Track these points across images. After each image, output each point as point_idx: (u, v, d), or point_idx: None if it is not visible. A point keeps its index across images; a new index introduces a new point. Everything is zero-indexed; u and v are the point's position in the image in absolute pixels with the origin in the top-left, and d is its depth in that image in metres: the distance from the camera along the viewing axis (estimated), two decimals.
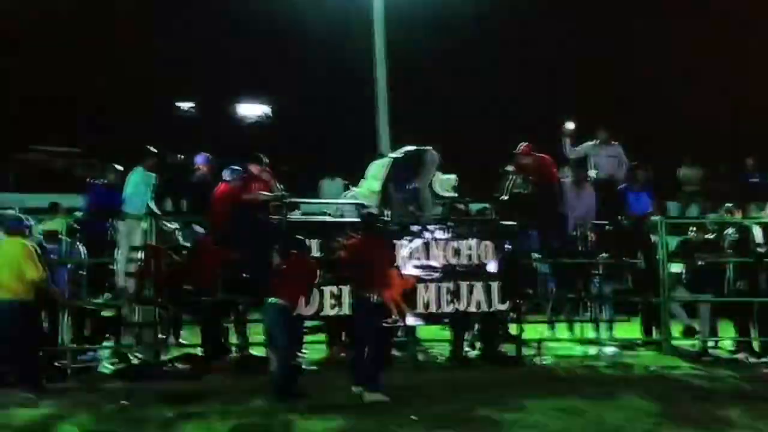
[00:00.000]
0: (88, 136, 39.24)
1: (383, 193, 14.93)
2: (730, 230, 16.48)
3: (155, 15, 42.63)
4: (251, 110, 53.22)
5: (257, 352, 15.10)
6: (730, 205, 18.44)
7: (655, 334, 16.47)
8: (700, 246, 16.17)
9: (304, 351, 14.36)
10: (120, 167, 15.04)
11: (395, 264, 13.21)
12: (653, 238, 16.21)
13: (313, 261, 12.49)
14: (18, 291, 11.95)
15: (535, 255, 16.24)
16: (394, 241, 14.11)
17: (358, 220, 13.99)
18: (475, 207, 16.80)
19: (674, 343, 16.03)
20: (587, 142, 16.67)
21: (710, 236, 16.57)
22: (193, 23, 42.44)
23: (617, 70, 40.34)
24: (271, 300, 11.55)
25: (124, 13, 42.83)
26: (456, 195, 15.37)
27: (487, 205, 16.35)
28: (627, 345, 16.48)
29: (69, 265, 14.65)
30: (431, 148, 14.72)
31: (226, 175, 14.48)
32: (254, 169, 15.16)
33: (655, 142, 29.67)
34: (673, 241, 16.97)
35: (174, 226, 15.50)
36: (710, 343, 16.36)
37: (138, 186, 14.68)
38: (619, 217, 16.04)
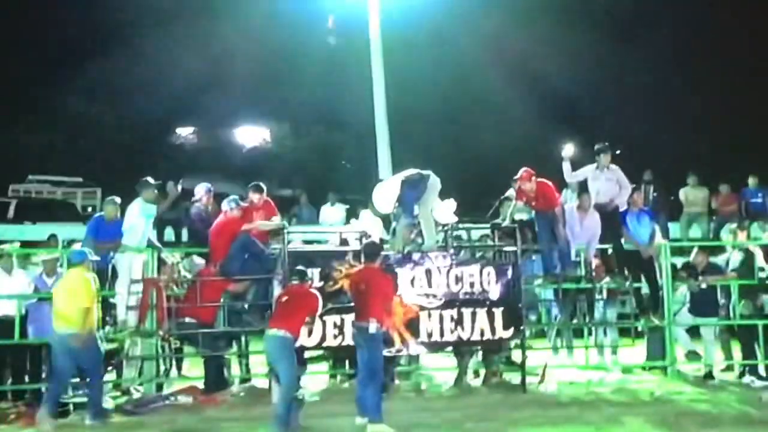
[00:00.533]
0: (89, 164, 39.31)
1: (387, 219, 14.87)
2: (733, 252, 16.44)
3: (154, 41, 42.72)
4: (250, 135, 53.33)
5: (259, 383, 15.09)
6: (734, 226, 18.45)
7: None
8: (704, 268, 16.09)
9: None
10: (118, 200, 14.96)
11: (397, 293, 13.10)
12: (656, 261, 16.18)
13: (313, 291, 12.39)
14: (78, 322, 12.28)
15: (538, 281, 16.23)
16: (396, 269, 14.03)
17: (358, 248, 13.96)
18: (476, 234, 16.71)
19: (679, 367, 15.94)
20: (587, 165, 16.60)
21: (714, 258, 16.53)
22: (192, 50, 42.52)
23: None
24: (272, 332, 11.46)
25: (123, 38, 42.89)
26: (456, 220, 15.27)
27: (488, 232, 16.22)
28: (631, 370, 16.41)
29: None
30: (431, 172, 14.64)
31: (225, 206, 14.41)
32: (254, 197, 15.15)
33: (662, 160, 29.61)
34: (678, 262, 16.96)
35: (176, 257, 15.45)
36: (720, 366, 16.31)
37: (137, 218, 14.62)
38: (621, 241, 15.97)
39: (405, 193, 14.25)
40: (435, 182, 14.46)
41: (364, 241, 14.01)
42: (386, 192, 14.41)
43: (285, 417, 11.17)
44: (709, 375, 15.71)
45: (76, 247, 15.22)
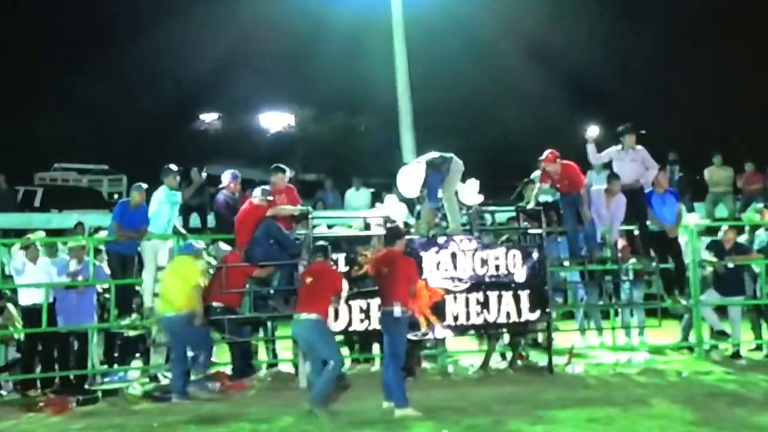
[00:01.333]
0: (114, 152, 39.39)
1: (411, 203, 14.86)
2: (760, 232, 16.35)
3: (178, 27, 42.73)
4: (274, 120, 53.32)
5: (286, 368, 15.14)
6: (760, 205, 18.34)
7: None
8: (731, 248, 16.01)
9: None
10: (144, 186, 15.01)
11: (421, 276, 13.08)
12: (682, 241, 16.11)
13: (337, 271, 12.38)
14: (183, 306, 12.85)
15: (564, 263, 16.19)
16: (421, 253, 14.02)
17: (383, 232, 13.97)
18: (502, 216, 16.66)
19: (707, 347, 15.89)
20: (612, 147, 16.52)
21: (741, 238, 16.46)
22: (215, 35, 42.53)
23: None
24: (303, 317, 11.49)
25: (147, 24, 42.91)
26: (481, 201, 15.20)
27: (515, 215, 16.17)
28: (659, 350, 16.37)
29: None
30: (453, 155, 14.59)
31: (257, 193, 14.38)
32: (276, 179, 15.14)
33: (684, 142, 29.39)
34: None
35: (201, 244, 15.49)
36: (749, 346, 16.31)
37: (162, 205, 14.67)
38: (647, 222, 15.88)
39: (429, 177, 14.22)
40: (458, 164, 14.42)
41: (387, 225, 14.02)
42: (411, 176, 14.37)
43: (328, 393, 11.36)
44: (736, 354, 15.65)
45: (102, 234, 15.38)
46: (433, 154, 14.51)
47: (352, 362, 15.56)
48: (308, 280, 11.82)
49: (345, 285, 12.23)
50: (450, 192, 14.40)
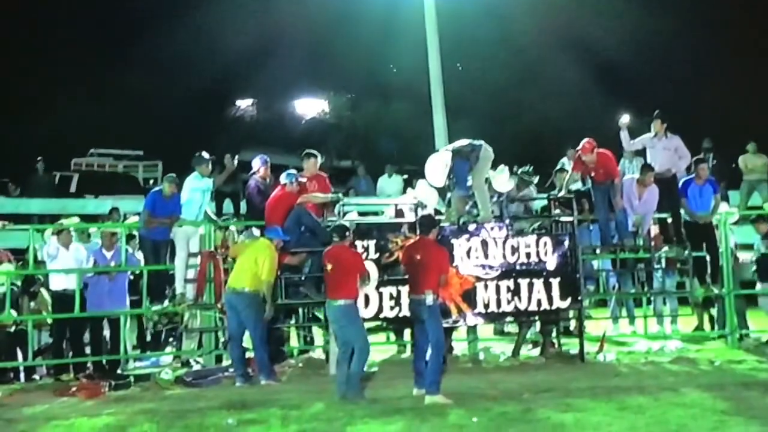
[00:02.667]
0: (150, 137, 39.57)
1: (442, 190, 14.83)
2: None
3: (214, 12, 42.81)
4: (309, 107, 53.35)
5: (317, 355, 15.20)
6: None
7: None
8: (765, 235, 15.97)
9: None
10: (176, 177, 15.09)
11: (452, 264, 13.08)
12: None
13: (356, 252, 12.40)
14: (249, 285, 13.06)
15: (596, 250, 16.14)
16: (452, 240, 14.02)
17: (413, 220, 13.98)
18: (538, 204, 16.61)
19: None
20: (645, 134, 16.46)
21: None
22: (251, 21, 42.55)
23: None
24: (333, 302, 11.56)
25: (183, 10, 42.98)
26: (511, 188, 15.16)
27: (545, 202, 16.13)
28: (691, 339, 16.31)
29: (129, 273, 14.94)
30: (484, 142, 14.55)
31: (284, 179, 14.44)
32: (307, 164, 15.16)
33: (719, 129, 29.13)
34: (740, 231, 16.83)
35: (233, 229, 15.59)
36: None
37: (194, 192, 14.75)
38: (680, 211, 15.81)
39: (456, 165, 14.21)
40: (487, 152, 14.37)
41: (420, 212, 14.03)
42: (437, 165, 14.38)
43: (359, 378, 11.46)
44: None
45: (133, 219, 15.51)
46: (462, 142, 14.49)
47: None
48: (329, 266, 11.81)
49: (374, 271, 12.24)
50: (480, 179, 14.37)
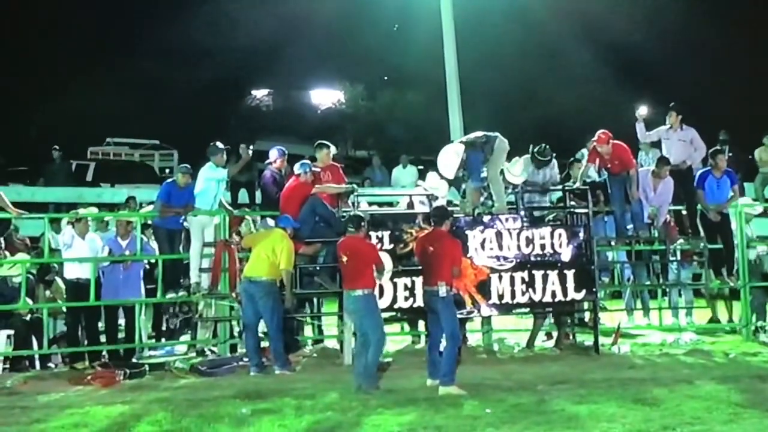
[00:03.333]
0: (166, 127, 39.64)
1: (457, 182, 14.84)
2: None
3: (232, 2, 42.83)
4: (325, 97, 53.39)
5: (331, 345, 15.22)
6: None
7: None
8: None
9: None
10: (190, 168, 15.13)
11: (466, 255, 13.07)
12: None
13: (371, 244, 12.39)
14: (270, 273, 13.09)
15: (611, 242, 16.13)
16: (466, 231, 14.02)
17: (427, 210, 13.99)
18: (554, 195, 16.58)
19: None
20: (661, 126, 16.44)
21: None
22: (267, 11, 42.54)
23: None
24: (351, 293, 11.58)
25: (198, 1, 43.04)
26: (525, 179, 15.16)
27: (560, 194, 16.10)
28: (706, 331, 16.29)
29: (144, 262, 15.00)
30: (499, 134, 14.55)
31: (298, 169, 14.46)
32: (321, 155, 15.19)
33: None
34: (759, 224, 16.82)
35: (248, 219, 15.62)
36: None
37: (209, 182, 14.77)
38: (695, 203, 15.77)
39: (470, 156, 14.24)
40: (502, 144, 14.39)
41: (433, 204, 14.04)
42: (449, 157, 14.40)
43: (374, 369, 11.44)
44: None
45: (148, 209, 15.57)
46: (476, 134, 14.51)
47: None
48: (344, 258, 11.81)
49: (389, 262, 12.23)
50: (495, 171, 14.39)
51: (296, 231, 13.70)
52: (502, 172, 14.57)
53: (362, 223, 12.05)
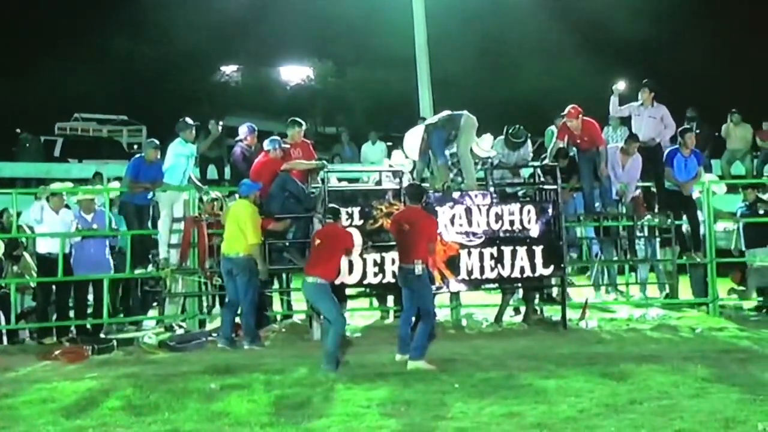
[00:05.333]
0: (134, 102, 39.46)
1: (422, 161, 14.86)
2: None
3: None
4: (294, 73, 53.22)
5: (300, 320, 15.24)
6: None
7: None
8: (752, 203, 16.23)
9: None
10: (158, 142, 15.08)
11: (438, 232, 13.10)
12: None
13: (347, 229, 12.37)
14: (246, 248, 13.05)
15: (579, 218, 16.20)
16: (436, 207, 14.04)
17: (397, 187, 14.02)
18: (526, 171, 16.63)
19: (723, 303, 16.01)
20: (633, 102, 16.52)
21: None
22: None
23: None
24: (308, 279, 11.50)
25: None
26: (494, 154, 15.18)
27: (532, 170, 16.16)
28: (673, 306, 16.43)
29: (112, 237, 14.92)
30: (466, 111, 14.58)
31: (267, 145, 14.43)
32: (292, 132, 15.18)
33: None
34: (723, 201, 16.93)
35: (216, 195, 15.56)
36: None
37: (178, 157, 14.72)
38: (663, 180, 15.86)
39: (432, 136, 14.35)
40: (470, 120, 14.41)
41: (403, 181, 14.08)
42: (412, 139, 14.57)
43: (336, 353, 11.31)
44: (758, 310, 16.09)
45: (116, 184, 15.51)
46: (441, 114, 14.59)
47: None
48: (317, 242, 11.80)
49: (358, 239, 12.23)
50: (464, 148, 14.41)
51: (266, 207, 13.69)
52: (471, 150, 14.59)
53: (339, 215, 12.10)
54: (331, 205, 12.85)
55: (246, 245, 12.99)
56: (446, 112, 14.57)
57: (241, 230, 12.98)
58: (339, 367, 11.22)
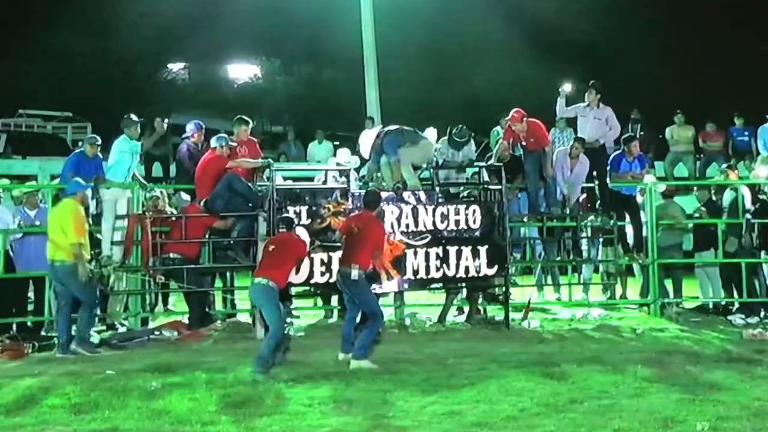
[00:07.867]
0: (79, 99, 39.07)
1: (374, 162, 14.93)
2: (729, 191, 16.52)
3: None
4: (242, 71, 52.98)
5: (243, 318, 15.20)
6: (724, 166, 18.56)
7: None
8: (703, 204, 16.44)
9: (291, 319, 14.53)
10: (98, 139, 14.93)
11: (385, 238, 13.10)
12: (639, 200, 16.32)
13: (300, 237, 12.34)
14: (67, 253, 12.59)
15: (523, 218, 16.31)
16: (383, 207, 14.04)
17: (344, 186, 14.06)
18: (470, 170, 16.69)
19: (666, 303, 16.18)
20: (579, 103, 16.65)
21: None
22: None
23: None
24: (258, 280, 11.43)
25: None
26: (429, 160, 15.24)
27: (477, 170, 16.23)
28: (615, 307, 16.59)
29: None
30: (429, 140, 14.75)
31: (214, 143, 14.39)
32: (239, 130, 15.17)
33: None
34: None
35: (158, 192, 15.48)
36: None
37: (122, 154, 14.63)
38: (607, 181, 16.00)
39: (387, 137, 14.61)
40: (428, 145, 14.60)
41: (351, 180, 14.16)
42: (365, 139, 14.83)
43: (269, 357, 11.15)
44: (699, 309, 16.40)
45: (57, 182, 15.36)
46: (407, 128, 14.72)
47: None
48: (271, 248, 11.72)
49: (305, 236, 12.20)
50: (408, 158, 14.51)
51: (211, 205, 13.64)
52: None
53: (293, 225, 12.06)
54: (284, 215, 12.84)
55: (69, 251, 12.57)
56: (410, 129, 14.69)
57: (64, 231, 12.59)
58: (270, 371, 11.09)
